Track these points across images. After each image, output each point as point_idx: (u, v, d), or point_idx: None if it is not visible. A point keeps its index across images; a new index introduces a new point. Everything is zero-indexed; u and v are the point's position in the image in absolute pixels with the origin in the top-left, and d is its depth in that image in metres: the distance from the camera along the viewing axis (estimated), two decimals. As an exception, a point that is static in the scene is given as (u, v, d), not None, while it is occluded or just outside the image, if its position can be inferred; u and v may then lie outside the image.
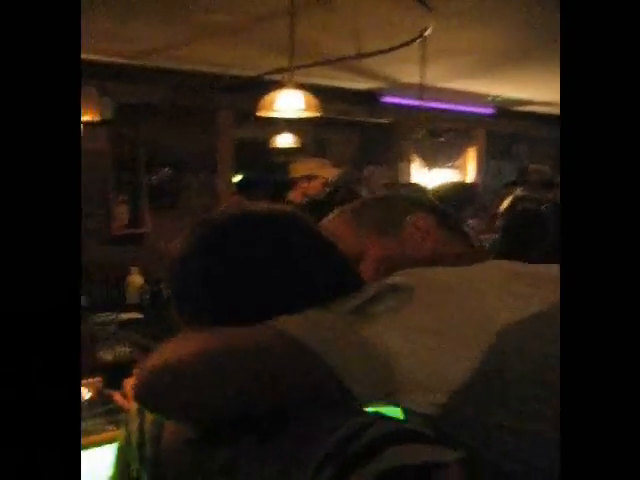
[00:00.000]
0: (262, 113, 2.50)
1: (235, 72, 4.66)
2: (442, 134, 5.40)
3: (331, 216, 1.19)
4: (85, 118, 4.16)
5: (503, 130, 6.56)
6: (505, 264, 1.03)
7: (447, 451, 0.74)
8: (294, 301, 0.86)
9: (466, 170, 6.58)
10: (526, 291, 0.90)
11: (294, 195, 4.72)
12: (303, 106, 2.45)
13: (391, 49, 3.40)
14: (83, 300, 4.20)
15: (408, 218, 1.10)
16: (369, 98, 5.77)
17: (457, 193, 4.17)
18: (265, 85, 3.80)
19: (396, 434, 0.76)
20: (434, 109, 5.95)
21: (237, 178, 7.13)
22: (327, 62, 3.94)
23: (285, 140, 4.31)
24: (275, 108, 2.44)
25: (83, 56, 3.49)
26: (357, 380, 0.80)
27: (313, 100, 2.48)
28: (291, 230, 0.93)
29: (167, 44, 3.93)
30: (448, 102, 5.97)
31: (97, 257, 4.42)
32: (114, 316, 1.98)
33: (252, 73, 4.43)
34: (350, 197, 4.77)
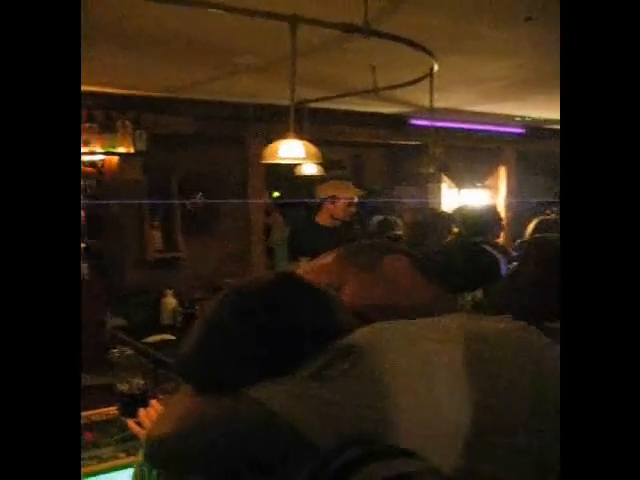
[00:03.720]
0: (267, 160, 2.66)
1: (263, 102, 4.84)
2: (448, 168, 5.47)
3: (327, 254, 1.37)
4: (120, 150, 4.41)
5: (534, 148, 6.58)
6: (459, 318, 1.13)
7: (418, 462, 0.89)
8: (287, 361, 1.00)
9: (497, 189, 6.61)
10: (480, 348, 1.00)
11: (322, 217, 4.85)
12: (303, 155, 2.61)
13: (403, 84, 3.55)
14: (120, 321, 4.45)
15: (386, 257, 1.26)
16: (399, 121, 5.89)
17: (479, 217, 4.23)
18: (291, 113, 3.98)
19: (374, 452, 0.90)
20: (464, 130, 6.05)
21: (275, 194, 7.33)
22: (346, 94, 4.09)
23: (310, 169, 4.47)
24: (278, 156, 2.60)
25: (119, 91, 3.70)
26: (316, 432, 0.94)
27: (312, 149, 2.64)
28: (287, 297, 1.06)
29: (197, 80, 4.13)
30: (479, 123, 6.05)
31: (133, 280, 4.65)
32: (129, 351, 2.15)
33: (278, 103, 4.60)
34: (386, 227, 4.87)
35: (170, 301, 4.57)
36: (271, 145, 2.62)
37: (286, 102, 4.52)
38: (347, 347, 0.99)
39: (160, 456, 1.06)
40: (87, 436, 1.95)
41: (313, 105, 4.94)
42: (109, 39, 3.19)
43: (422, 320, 1.06)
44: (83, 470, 1.69)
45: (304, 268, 1.35)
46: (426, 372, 0.95)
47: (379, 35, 2.51)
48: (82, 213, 4.80)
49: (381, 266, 1.25)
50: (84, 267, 4.84)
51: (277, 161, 2.66)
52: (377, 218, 4.74)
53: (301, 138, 4.16)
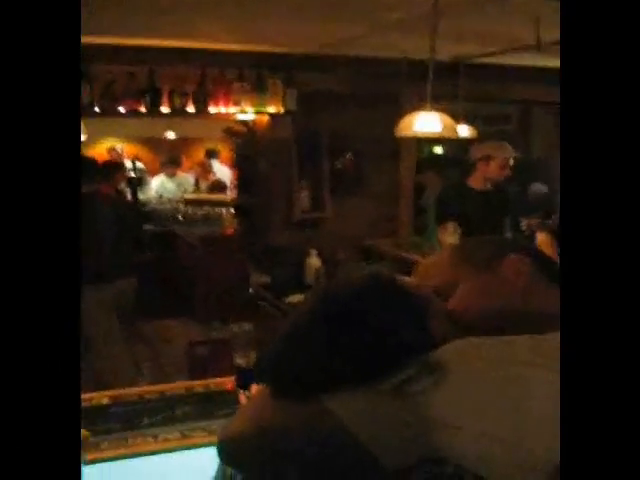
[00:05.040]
0: (402, 133, 2.50)
1: (416, 57, 4.63)
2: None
3: (440, 250, 1.28)
4: (270, 109, 4.44)
5: None
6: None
7: None
8: (371, 370, 0.94)
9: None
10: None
11: (473, 179, 4.56)
12: (440, 129, 2.41)
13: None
14: (264, 278, 4.56)
15: (508, 257, 1.12)
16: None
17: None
18: (444, 70, 3.78)
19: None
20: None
21: (433, 151, 7.08)
22: (507, 49, 3.79)
23: (463, 131, 4.22)
24: (413, 130, 2.43)
25: (270, 49, 3.69)
26: (385, 451, 0.90)
27: (449, 121, 2.43)
28: (376, 303, 0.99)
29: (347, 36, 4.01)
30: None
31: (279, 240, 4.74)
32: (250, 326, 2.16)
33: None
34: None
35: (314, 261, 4.60)
36: (406, 117, 2.47)
37: (442, 59, 4.32)
38: (433, 363, 0.91)
39: (227, 453, 1.04)
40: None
41: (474, 61, 4.66)
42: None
43: (523, 338, 0.94)
44: (190, 441, 1.73)
45: (420, 264, 1.26)
46: (516, 399, 0.85)
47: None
48: (234, 171, 4.95)
49: (501, 266, 1.11)
50: (235, 223, 5.02)
51: (412, 135, 2.51)
52: (536, 186, 4.33)
53: (459, 94, 3.93)
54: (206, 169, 7.46)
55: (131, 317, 4.15)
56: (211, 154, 7.85)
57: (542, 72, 5.29)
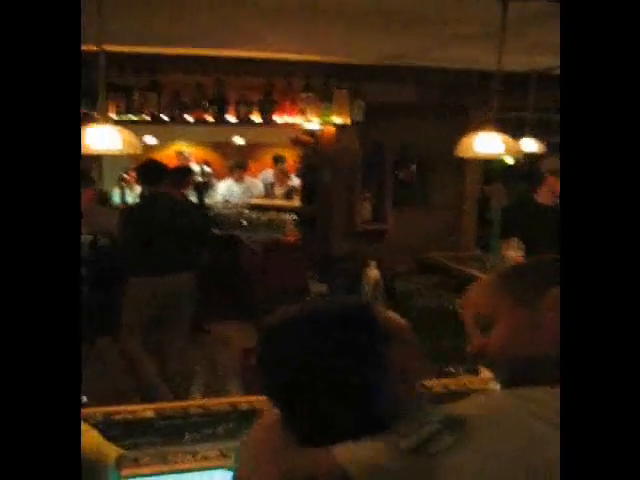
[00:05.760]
0: (462, 154, 2.43)
1: (485, 69, 4.54)
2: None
3: (481, 279, 1.21)
4: (336, 119, 4.43)
5: None
6: None
7: None
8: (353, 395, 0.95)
9: None
10: None
11: (541, 194, 4.39)
12: (501, 150, 2.33)
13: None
14: (322, 287, 4.55)
15: (552, 290, 1.01)
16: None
17: None
18: (516, 82, 3.66)
19: None
20: None
21: (503, 161, 6.85)
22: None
23: (529, 145, 4.08)
24: (474, 150, 2.36)
25: (337, 60, 3.66)
26: None
27: (511, 142, 2.34)
28: (357, 328, 0.99)
29: (415, 47, 3.96)
30: None
31: (339, 250, 4.73)
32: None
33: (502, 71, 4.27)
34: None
35: (373, 273, 4.55)
36: (466, 138, 2.40)
37: (515, 69, 4.20)
38: (454, 420, 0.89)
39: None
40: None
41: (547, 72, 4.53)
42: (327, 10, 3.16)
43: (542, 393, 0.91)
44: (229, 461, 1.74)
45: (464, 295, 1.19)
46: (532, 456, 0.84)
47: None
48: (298, 181, 4.97)
49: (544, 299, 1.01)
50: (297, 230, 5.03)
51: (472, 156, 2.44)
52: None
53: (531, 106, 3.82)
54: (284, 174, 7.38)
55: (189, 317, 4.19)
56: (278, 160, 7.88)
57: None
